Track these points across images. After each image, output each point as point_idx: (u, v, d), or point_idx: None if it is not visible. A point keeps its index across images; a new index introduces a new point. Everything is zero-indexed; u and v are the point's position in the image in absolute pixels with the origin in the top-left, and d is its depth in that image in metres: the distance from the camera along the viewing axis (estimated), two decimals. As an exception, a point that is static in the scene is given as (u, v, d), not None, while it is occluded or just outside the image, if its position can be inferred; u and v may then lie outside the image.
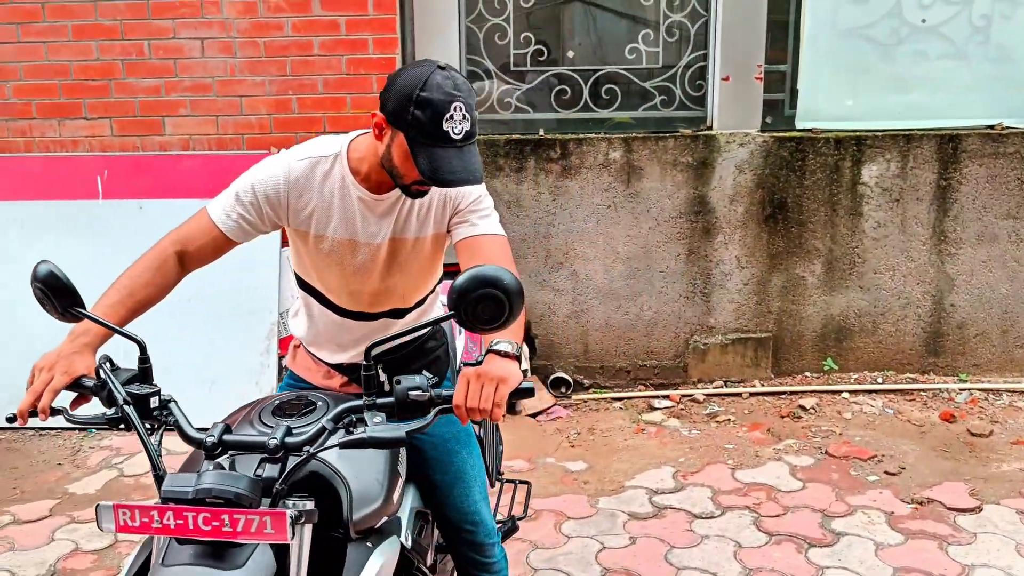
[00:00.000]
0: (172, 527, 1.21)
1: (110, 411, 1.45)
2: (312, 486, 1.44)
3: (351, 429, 1.39)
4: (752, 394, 4.16)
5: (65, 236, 4.01)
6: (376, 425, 1.37)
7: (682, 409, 4.10)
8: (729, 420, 3.92)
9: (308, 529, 1.33)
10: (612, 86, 4.24)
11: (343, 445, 1.36)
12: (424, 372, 1.48)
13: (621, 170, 4.13)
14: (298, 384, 1.99)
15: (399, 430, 1.35)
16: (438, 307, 2.03)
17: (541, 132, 4.19)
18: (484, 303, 1.38)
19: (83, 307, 1.52)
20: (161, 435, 1.44)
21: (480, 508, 1.93)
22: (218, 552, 1.26)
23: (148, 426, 1.43)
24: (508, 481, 2.62)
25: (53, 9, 4.01)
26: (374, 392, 1.42)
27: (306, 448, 1.34)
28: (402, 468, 1.71)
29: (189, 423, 1.42)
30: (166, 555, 1.28)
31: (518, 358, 1.51)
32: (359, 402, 1.42)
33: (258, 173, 1.75)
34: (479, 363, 1.49)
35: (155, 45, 4.04)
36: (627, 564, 2.81)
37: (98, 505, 1.25)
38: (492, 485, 2.38)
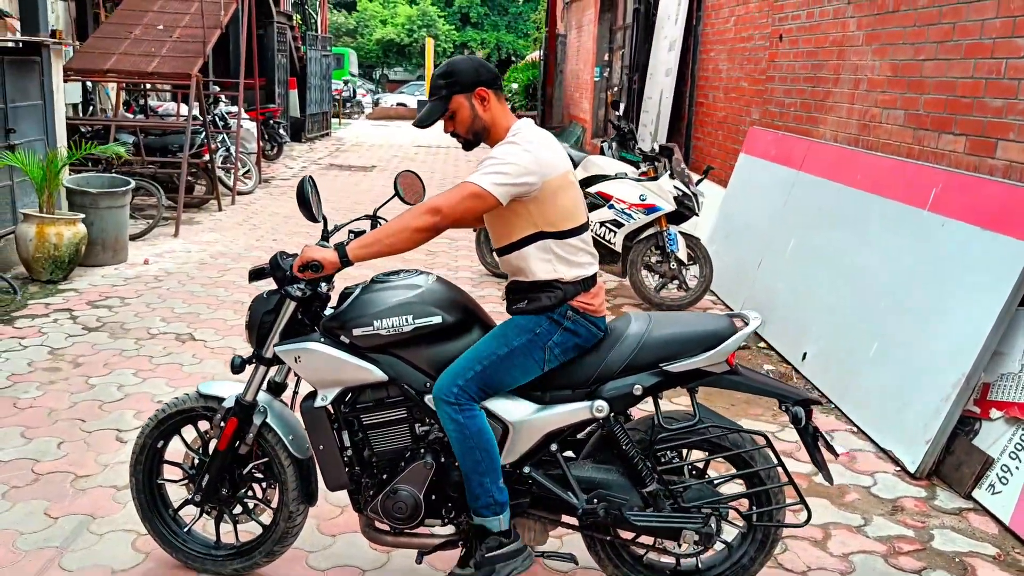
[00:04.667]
0: None
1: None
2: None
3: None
4: None
5: (887, 229, 4.79)
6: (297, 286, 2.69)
7: None
8: None
9: (291, 305, 2.69)
10: None
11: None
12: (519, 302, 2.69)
13: None
14: None
15: (295, 289, 2.68)
16: (538, 261, 2.63)
17: None
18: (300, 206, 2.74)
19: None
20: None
21: (451, 368, 2.62)
22: None
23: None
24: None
25: (963, 29, 4.55)
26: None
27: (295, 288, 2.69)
28: (386, 330, 2.65)
29: (325, 293, 2.81)
30: None
31: (340, 251, 2.54)
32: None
33: None
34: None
35: (1011, 65, 4.13)
36: None
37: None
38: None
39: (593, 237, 6.55)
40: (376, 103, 35.46)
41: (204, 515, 2.96)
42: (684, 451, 2.82)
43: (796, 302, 5.64)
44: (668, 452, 2.78)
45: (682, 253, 6.55)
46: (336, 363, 2.71)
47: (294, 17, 20.18)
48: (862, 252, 5.00)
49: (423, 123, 2.72)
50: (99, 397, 4.47)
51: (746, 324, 2.73)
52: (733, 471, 2.83)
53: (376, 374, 2.71)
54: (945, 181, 4.47)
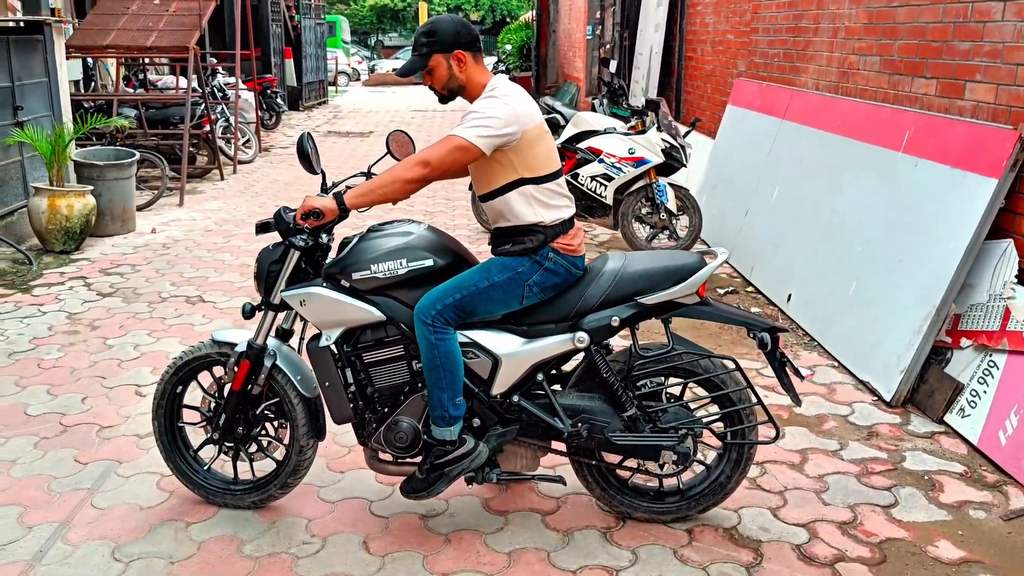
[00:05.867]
0: None
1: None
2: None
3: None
4: None
5: (864, 173, 4.94)
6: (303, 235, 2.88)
7: None
8: None
9: (295, 254, 2.88)
10: None
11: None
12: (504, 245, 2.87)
13: None
14: None
15: (298, 239, 2.86)
16: (520, 205, 2.81)
17: None
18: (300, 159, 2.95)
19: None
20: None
21: (433, 291, 2.82)
22: None
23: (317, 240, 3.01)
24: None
25: (932, -27, 4.66)
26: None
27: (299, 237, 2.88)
28: (382, 273, 2.85)
29: (326, 243, 3.00)
30: None
31: (338, 200, 2.74)
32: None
33: None
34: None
35: (976, 8, 4.25)
36: None
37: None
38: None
39: (585, 191, 6.78)
40: (372, 70, 35.31)
41: (222, 455, 3.17)
42: (662, 378, 3.01)
43: (781, 247, 5.80)
44: (646, 380, 2.98)
45: (671, 204, 6.70)
46: (338, 305, 2.90)
47: (287, -14, 20.06)
48: (842, 195, 5.16)
49: (404, 73, 2.92)
50: (117, 356, 4.68)
51: (715, 258, 2.92)
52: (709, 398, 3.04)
53: (375, 314, 2.90)
54: (917, 123, 4.61)
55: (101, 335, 5.00)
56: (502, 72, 19.49)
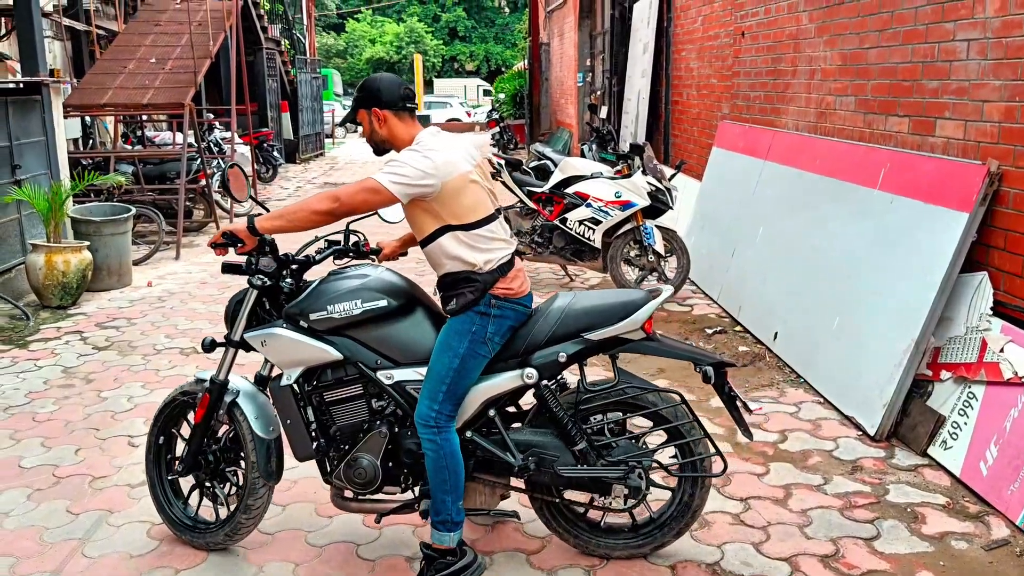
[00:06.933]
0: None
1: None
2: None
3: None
4: None
5: (843, 210, 5.05)
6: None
7: None
8: None
9: (252, 293, 3.04)
10: None
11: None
12: (449, 301, 2.91)
13: None
14: None
15: (256, 279, 3.04)
16: (451, 250, 2.87)
17: None
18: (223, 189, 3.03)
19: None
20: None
21: (424, 394, 2.87)
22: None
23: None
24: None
25: (900, 17, 4.83)
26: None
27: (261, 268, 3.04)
28: (338, 314, 2.97)
29: (290, 287, 3.11)
30: None
31: (250, 226, 2.89)
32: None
33: None
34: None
35: (942, 48, 4.40)
36: None
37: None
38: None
39: (574, 235, 6.90)
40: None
41: (205, 497, 3.29)
42: (611, 413, 3.08)
43: (766, 286, 5.90)
44: (596, 415, 3.05)
45: (659, 246, 6.81)
46: (297, 345, 3.02)
47: (282, 42, 20.52)
48: (822, 233, 5.27)
49: (340, 123, 3.16)
50: (111, 408, 4.75)
51: (660, 295, 3.00)
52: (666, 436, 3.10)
53: (332, 354, 3.01)
54: (892, 160, 4.74)
55: (96, 388, 5.08)
56: (495, 120, 19.82)
